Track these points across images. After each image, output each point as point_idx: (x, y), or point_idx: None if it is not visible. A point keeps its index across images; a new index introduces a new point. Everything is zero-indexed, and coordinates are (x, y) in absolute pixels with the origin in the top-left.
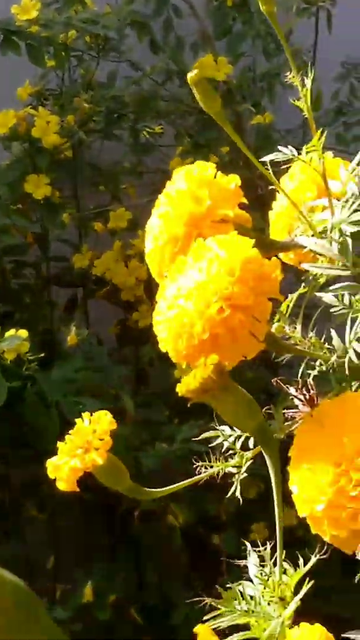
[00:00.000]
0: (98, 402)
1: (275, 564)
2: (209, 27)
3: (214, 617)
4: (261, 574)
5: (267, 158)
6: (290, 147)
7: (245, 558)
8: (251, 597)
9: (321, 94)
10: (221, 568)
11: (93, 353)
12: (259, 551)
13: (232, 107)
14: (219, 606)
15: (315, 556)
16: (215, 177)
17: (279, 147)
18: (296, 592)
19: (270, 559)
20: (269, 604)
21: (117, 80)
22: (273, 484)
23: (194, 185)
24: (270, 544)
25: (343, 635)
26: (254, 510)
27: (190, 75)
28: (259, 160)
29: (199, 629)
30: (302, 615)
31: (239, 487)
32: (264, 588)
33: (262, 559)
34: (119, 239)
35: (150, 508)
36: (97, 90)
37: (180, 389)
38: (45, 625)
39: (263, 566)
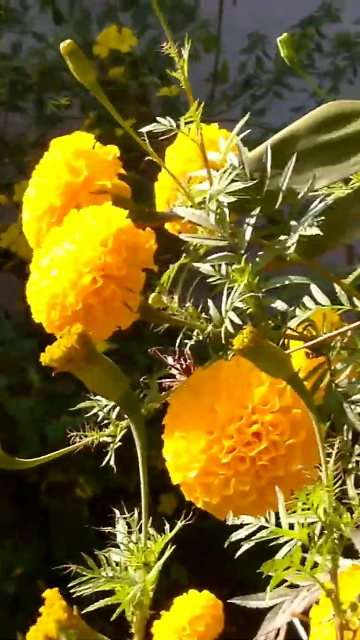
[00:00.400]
0: (4, 375)
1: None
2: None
3: (79, 584)
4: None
5: (145, 129)
6: (169, 118)
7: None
8: (117, 564)
9: (227, 66)
10: None
11: None
12: (125, 518)
13: (137, 79)
14: (84, 573)
15: (181, 522)
16: (93, 147)
17: (158, 118)
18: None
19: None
20: (135, 570)
21: (21, 53)
22: (138, 452)
23: (71, 156)
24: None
25: (229, 600)
26: (162, 482)
27: (62, 46)
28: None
29: (47, 593)
30: (205, 580)
31: (113, 456)
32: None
33: (129, 526)
34: None
35: (58, 480)
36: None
37: (44, 359)
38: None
39: (130, 533)
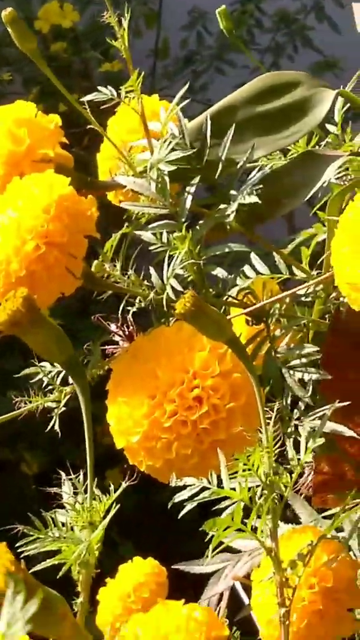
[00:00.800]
0: None
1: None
2: None
3: (26, 544)
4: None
5: (86, 98)
6: (110, 87)
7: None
8: (63, 525)
9: (168, 42)
10: None
11: None
12: (71, 479)
13: (79, 55)
14: (30, 533)
15: (125, 482)
16: (35, 117)
17: (99, 88)
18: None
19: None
20: (81, 530)
21: None
22: (84, 416)
23: (13, 125)
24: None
25: (173, 566)
26: (109, 456)
27: (4, 14)
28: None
29: None
30: (151, 554)
31: (57, 421)
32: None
33: (75, 486)
34: None
35: (4, 458)
36: None
37: None
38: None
39: (76, 494)
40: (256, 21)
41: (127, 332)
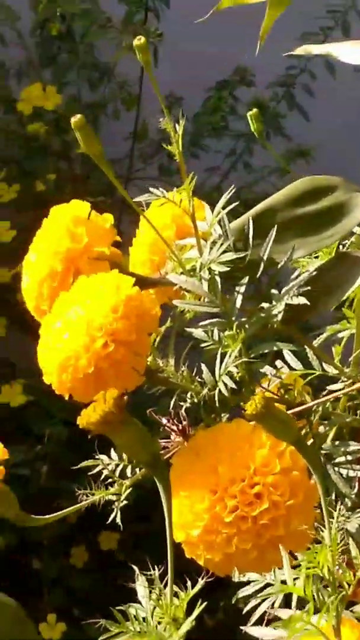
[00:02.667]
0: None
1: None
2: (33, 55)
3: (108, 638)
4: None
5: (140, 199)
6: (161, 189)
7: (64, 581)
8: (143, 619)
9: (146, 125)
10: (42, 591)
11: None
12: (150, 575)
13: (60, 136)
14: (111, 627)
15: (203, 579)
16: (89, 215)
17: (151, 189)
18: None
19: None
20: (157, 624)
21: None
22: (165, 512)
23: (71, 223)
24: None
25: None
26: (73, 534)
27: (73, 120)
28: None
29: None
30: None
31: (119, 515)
32: (153, 609)
33: (150, 582)
34: None
35: None
36: None
37: (81, 422)
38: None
39: (151, 590)
40: (230, 108)
41: (180, 427)
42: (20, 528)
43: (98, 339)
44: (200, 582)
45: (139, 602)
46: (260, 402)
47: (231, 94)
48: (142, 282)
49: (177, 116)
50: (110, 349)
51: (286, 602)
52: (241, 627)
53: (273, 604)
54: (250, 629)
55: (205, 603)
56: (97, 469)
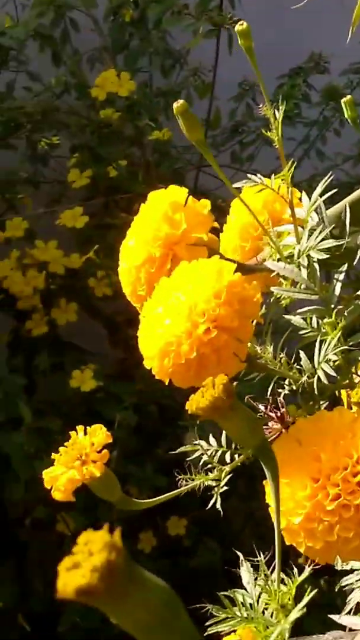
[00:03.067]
0: None
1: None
2: (106, 41)
3: (215, 623)
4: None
5: (239, 184)
6: (259, 175)
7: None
8: (250, 605)
9: (219, 113)
10: None
11: None
12: (256, 561)
13: (133, 122)
14: (218, 613)
15: (309, 566)
16: (186, 202)
17: (249, 175)
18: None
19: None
20: (263, 611)
21: (14, 91)
22: (273, 498)
23: (169, 209)
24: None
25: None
26: (141, 520)
27: (176, 106)
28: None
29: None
30: None
31: (219, 500)
32: (259, 595)
33: (255, 568)
34: (16, 248)
35: (39, 517)
36: None
37: (190, 407)
38: (185, 623)
39: (256, 578)
40: (303, 95)
41: (279, 414)
42: (90, 512)
43: (200, 325)
44: (308, 569)
45: (215, 591)
46: None
47: (305, 81)
48: (241, 269)
49: (249, 103)
50: (213, 335)
51: None
52: (330, 616)
53: None
54: (338, 617)
55: (315, 590)
56: (195, 455)
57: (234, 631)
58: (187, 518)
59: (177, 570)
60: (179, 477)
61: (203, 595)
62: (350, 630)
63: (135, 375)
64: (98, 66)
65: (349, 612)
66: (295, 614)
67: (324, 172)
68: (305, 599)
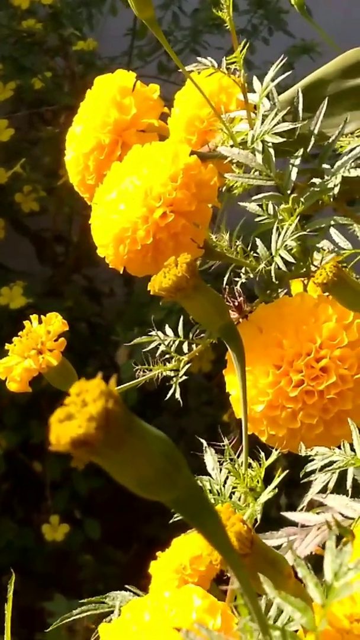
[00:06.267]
0: None
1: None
2: None
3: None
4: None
5: (190, 67)
6: (209, 58)
7: (66, 485)
8: (218, 491)
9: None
10: (45, 493)
11: None
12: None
13: (58, 32)
14: None
15: (276, 450)
16: (134, 86)
17: (198, 59)
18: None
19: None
20: (231, 495)
21: None
22: (239, 381)
23: (118, 94)
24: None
25: None
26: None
27: None
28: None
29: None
30: (120, 535)
31: (178, 390)
32: (226, 479)
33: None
34: None
35: None
36: None
37: (153, 288)
38: (187, 477)
39: (221, 462)
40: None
41: (236, 303)
42: (21, 430)
43: (157, 209)
44: (275, 453)
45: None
46: (332, 270)
47: None
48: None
49: (175, 12)
50: (170, 220)
51: (339, 485)
52: (282, 513)
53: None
54: (290, 514)
55: (287, 471)
56: (152, 345)
57: None
58: None
59: (110, 487)
60: (138, 367)
61: (137, 510)
62: (303, 526)
63: (65, 293)
64: None
65: (302, 509)
66: (266, 495)
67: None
68: (276, 480)
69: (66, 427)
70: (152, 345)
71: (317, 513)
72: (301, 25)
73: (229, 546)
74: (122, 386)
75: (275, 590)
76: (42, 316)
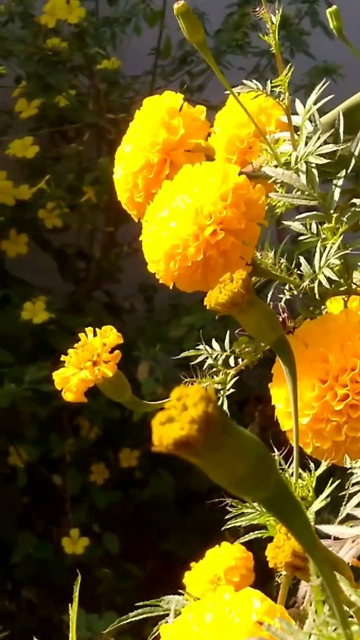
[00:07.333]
0: None
1: None
2: None
3: (234, 517)
4: None
5: (236, 89)
6: (254, 80)
7: (85, 499)
8: None
9: (170, 42)
10: (65, 507)
11: None
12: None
13: (83, 51)
14: (238, 506)
15: (325, 462)
16: (181, 107)
17: (244, 81)
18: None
19: None
20: None
21: None
22: (290, 394)
23: (166, 115)
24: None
25: None
26: (93, 452)
27: (176, 6)
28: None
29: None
30: (138, 549)
31: (225, 402)
32: None
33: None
34: None
35: None
36: None
37: (209, 302)
38: (278, 478)
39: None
40: (252, 25)
41: (280, 319)
42: (41, 444)
43: (207, 227)
44: (325, 463)
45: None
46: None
47: (254, 10)
48: None
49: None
50: (220, 237)
51: None
52: (318, 527)
53: None
54: (324, 527)
55: (338, 481)
56: (199, 359)
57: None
58: (139, 450)
59: (129, 502)
60: (186, 380)
61: (155, 525)
62: (336, 539)
63: (86, 308)
64: None
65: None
66: (318, 504)
67: None
68: (328, 489)
69: (168, 429)
70: (199, 358)
71: (351, 526)
72: (323, 46)
73: (314, 543)
74: (159, 402)
75: (352, 588)
76: (97, 329)
